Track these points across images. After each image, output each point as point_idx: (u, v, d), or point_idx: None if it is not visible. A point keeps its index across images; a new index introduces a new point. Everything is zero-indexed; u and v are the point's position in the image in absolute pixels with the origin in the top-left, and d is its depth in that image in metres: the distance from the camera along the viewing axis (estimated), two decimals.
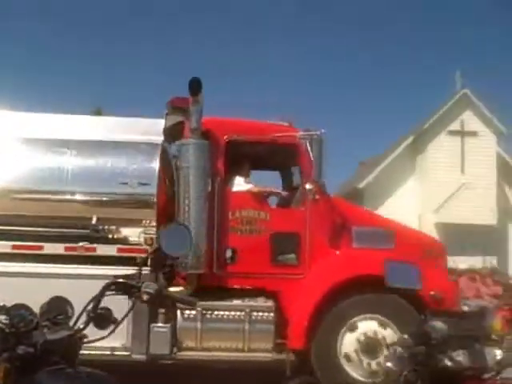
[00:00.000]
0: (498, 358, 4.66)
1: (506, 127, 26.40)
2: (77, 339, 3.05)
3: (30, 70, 48.79)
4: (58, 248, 8.27)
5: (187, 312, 8.20)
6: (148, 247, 8.26)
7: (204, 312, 8.18)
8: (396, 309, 8.17)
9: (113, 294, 3.38)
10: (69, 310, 3.17)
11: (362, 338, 8.11)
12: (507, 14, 44.94)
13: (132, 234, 8.57)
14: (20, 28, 49.71)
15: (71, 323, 3.13)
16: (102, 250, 8.30)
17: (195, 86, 8.26)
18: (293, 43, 55.68)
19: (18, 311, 2.93)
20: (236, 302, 8.35)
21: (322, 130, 8.26)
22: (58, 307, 3.15)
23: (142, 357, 8.06)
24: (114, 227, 8.57)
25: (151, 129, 8.91)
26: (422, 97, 47.48)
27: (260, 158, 9.25)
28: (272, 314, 8.22)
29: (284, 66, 53.75)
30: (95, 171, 8.53)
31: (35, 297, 7.84)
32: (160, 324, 8.14)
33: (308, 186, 8.26)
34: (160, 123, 8.98)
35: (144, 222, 8.50)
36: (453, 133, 26.35)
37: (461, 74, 27.29)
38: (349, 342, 8.15)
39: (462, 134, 26.31)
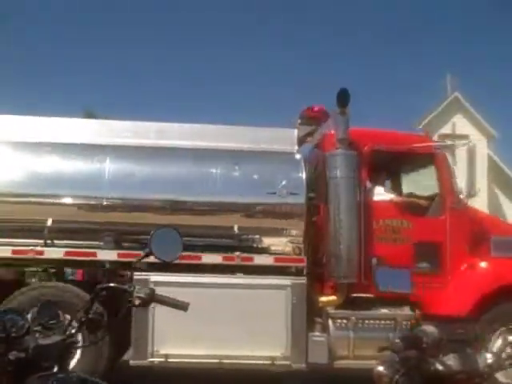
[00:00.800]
0: (489, 361, 4.80)
1: (496, 130, 27.25)
2: (69, 344, 3.03)
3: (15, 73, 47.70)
4: (215, 258, 8.25)
5: (339, 321, 8.30)
6: (302, 257, 8.39)
7: (356, 321, 8.27)
8: None
9: (104, 299, 3.36)
10: (61, 314, 3.14)
11: (509, 349, 8.28)
12: (499, 17, 46.13)
13: (275, 243, 8.63)
14: None
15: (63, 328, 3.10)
16: (260, 259, 8.33)
17: (343, 97, 8.37)
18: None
19: (8, 316, 2.89)
20: (384, 311, 8.46)
21: (472, 141, 8.48)
22: (49, 312, 3.10)
23: (301, 366, 8.12)
24: (257, 236, 8.61)
25: (286, 138, 8.95)
26: (413, 100, 48.25)
27: (398, 167, 9.39)
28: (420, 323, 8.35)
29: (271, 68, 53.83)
30: (242, 181, 8.52)
31: (196, 307, 7.95)
32: (317, 333, 8.24)
33: (462, 196, 8.48)
34: (293, 132, 9.02)
35: (286, 231, 8.56)
36: (444, 136, 26.97)
37: (451, 78, 27.99)
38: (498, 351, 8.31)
39: (453, 137, 26.94)
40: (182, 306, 3.67)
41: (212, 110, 39.83)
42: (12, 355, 2.75)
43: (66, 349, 3.00)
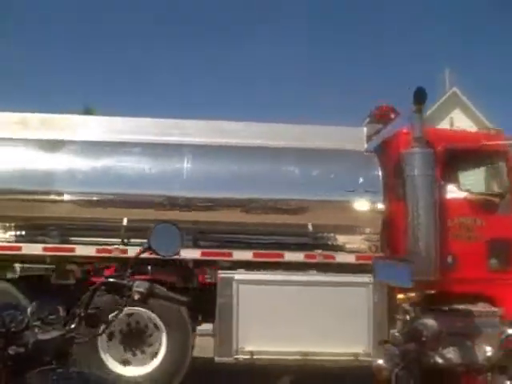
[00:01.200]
0: (488, 354, 4.88)
1: (494, 125, 27.50)
2: (68, 339, 3.07)
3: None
4: (298, 256, 8.30)
5: None
6: (382, 254, 8.47)
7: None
8: None
9: (104, 294, 3.42)
10: (60, 309, 3.17)
11: None
12: (499, 15, 46.56)
13: (349, 241, 8.71)
14: None
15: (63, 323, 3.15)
16: (341, 257, 8.40)
17: (420, 95, 8.41)
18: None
19: (8, 311, 2.92)
20: (460, 307, 8.54)
21: None
22: (49, 307, 3.14)
23: None
24: (332, 234, 8.68)
25: (356, 137, 9.04)
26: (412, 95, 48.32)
27: (469, 165, 9.48)
28: (497, 320, 8.45)
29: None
30: (319, 179, 8.60)
31: (280, 304, 7.96)
32: (398, 329, 8.29)
33: None
34: (363, 131, 9.12)
35: (362, 228, 8.65)
36: None
37: (450, 73, 28.26)
38: None
39: None
40: (179, 301, 3.68)
41: (211, 109, 39.62)
42: (11, 350, 2.77)
43: (66, 344, 3.02)
